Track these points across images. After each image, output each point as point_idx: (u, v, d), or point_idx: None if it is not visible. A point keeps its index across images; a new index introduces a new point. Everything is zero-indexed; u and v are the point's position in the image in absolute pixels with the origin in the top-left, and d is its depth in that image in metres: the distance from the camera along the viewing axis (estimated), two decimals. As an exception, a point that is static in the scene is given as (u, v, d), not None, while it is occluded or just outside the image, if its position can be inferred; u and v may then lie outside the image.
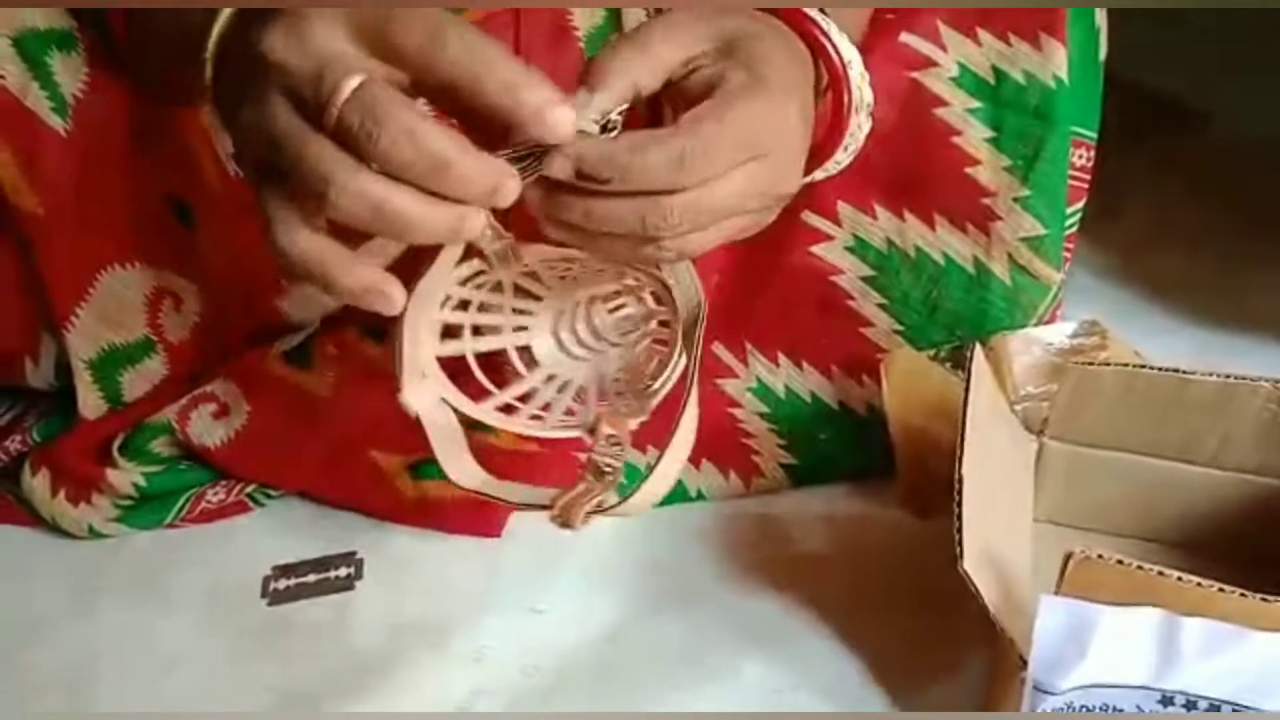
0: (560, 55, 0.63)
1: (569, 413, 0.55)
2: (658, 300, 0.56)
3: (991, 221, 0.65)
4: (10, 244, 0.62)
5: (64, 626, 0.62)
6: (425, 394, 0.52)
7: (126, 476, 0.66)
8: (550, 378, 0.57)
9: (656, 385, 0.52)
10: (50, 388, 0.68)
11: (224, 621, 0.62)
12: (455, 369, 0.54)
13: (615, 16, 0.64)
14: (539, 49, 0.63)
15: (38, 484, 0.66)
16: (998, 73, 0.63)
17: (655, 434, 0.68)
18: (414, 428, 0.65)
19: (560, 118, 0.43)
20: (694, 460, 0.69)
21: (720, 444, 0.69)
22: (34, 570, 0.66)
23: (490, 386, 0.55)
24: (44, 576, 0.65)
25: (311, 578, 0.64)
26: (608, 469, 0.52)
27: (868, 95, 0.54)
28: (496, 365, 0.56)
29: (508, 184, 0.44)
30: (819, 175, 0.57)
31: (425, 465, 0.67)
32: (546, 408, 0.55)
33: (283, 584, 0.64)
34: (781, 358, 0.69)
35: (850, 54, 0.54)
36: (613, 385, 0.57)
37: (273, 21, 0.44)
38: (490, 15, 0.63)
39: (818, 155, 0.55)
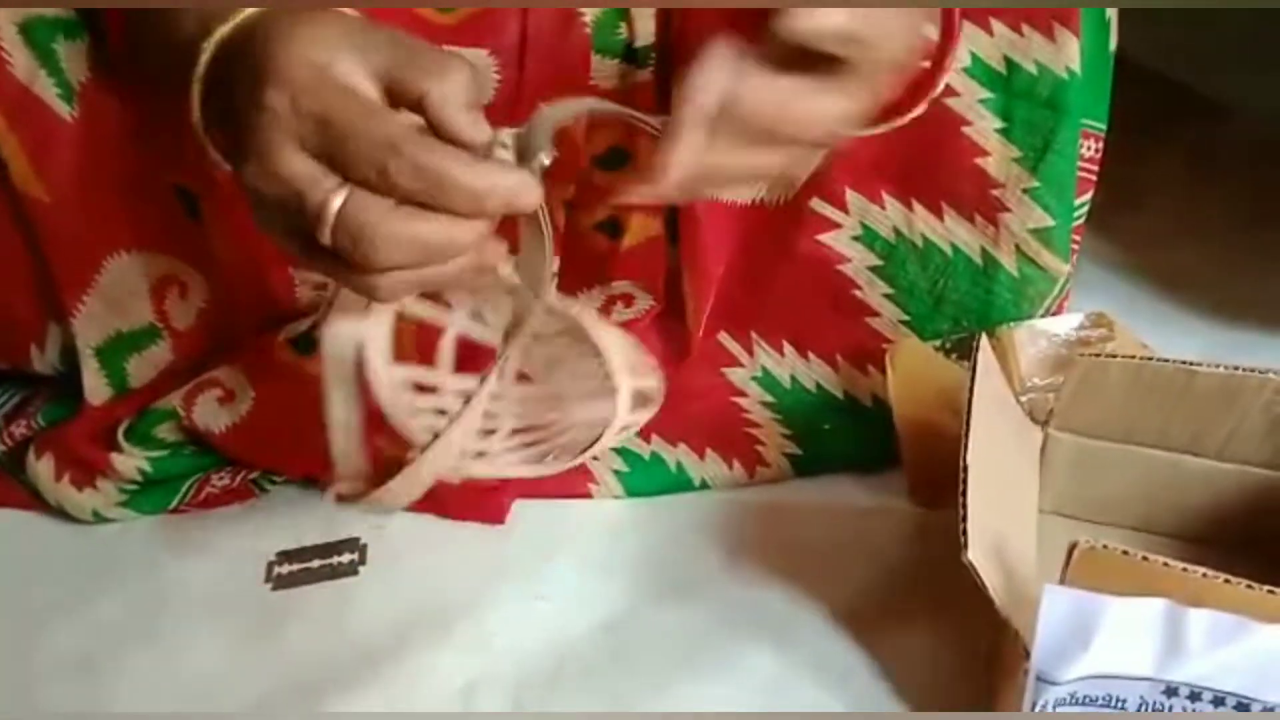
0: (567, 41, 0.63)
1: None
2: None
3: (1000, 212, 0.65)
4: (17, 231, 0.62)
5: (69, 611, 0.63)
6: (347, 329, 0.52)
7: (131, 461, 0.67)
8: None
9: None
10: (56, 373, 0.68)
11: (228, 606, 0.63)
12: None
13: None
14: (546, 35, 0.63)
15: (43, 468, 0.66)
16: (1010, 63, 0.62)
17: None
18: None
19: (527, 201, 0.44)
20: (698, 449, 0.69)
21: (725, 433, 0.69)
22: (39, 555, 0.66)
23: (444, 363, 0.56)
24: (49, 561, 0.66)
25: (315, 563, 0.65)
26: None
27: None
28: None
29: (522, 196, 0.44)
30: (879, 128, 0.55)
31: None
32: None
33: (286, 569, 0.64)
34: (787, 347, 0.69)
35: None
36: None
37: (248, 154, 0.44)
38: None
39: (891, 111, 0.55)
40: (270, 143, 0.43)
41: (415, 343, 0.56)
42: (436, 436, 0.52)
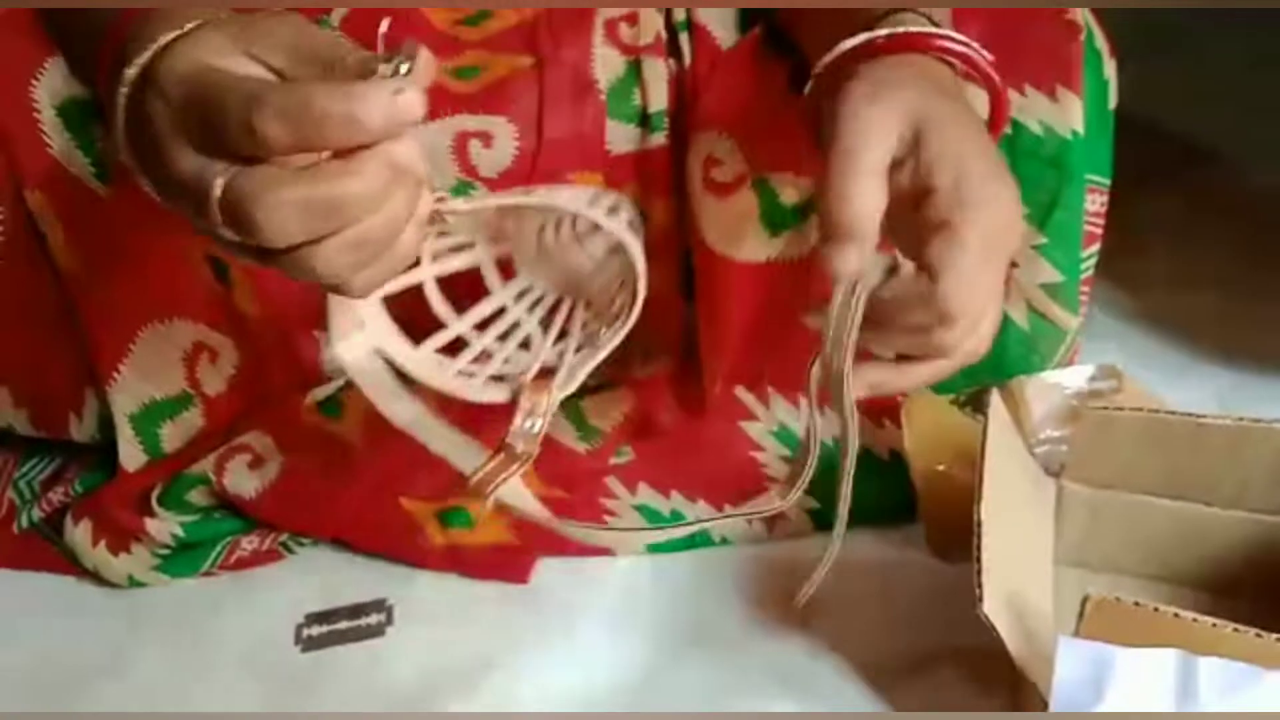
0: (582, 108, 0.65)
1: (498, 378, 0.55)
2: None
3: (1010, 268, 0.66)
4: (55, 302, 0.64)
5: (105, 673, 0.64)
6: (357, 347, 0.52)
7: (165, 526, 0.68)
8: (522, 294, 0.58)
9: (607, 335, 0.52)
10: (93, 441, 0.69)
11: (259, 668, 0.63)
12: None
13: (636, 70, 0.66)
14: (563, 102, 0.65)
15: (80, 534, 0.68)
16: (1015, 123, 0.63)
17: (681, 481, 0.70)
18: (442, 475, 0.67)
19: (408, 111, 0.40)
20: (717, 505, 0.70)
21: (744, 490, 0.69)
22: (76, 618, 0.67)
23: (447, 317, 0.56)
24: (85, 625, 0.67)
25: (344, 625, 0.65)
26: (518, 447, 0.52)
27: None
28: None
29: (400, 105, 0.39)
30: None
31: (454, 513, 0.68)
32: (484, 359, 0.56)
33: (315, 631, 0.65)
34: (803, 401, 0.70)
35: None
36: (580, 315, 0.58)
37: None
38: (514, 73, 0.64)
39: None
40: (161, 150, 0.42)
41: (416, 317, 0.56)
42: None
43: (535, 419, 0.53)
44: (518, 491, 0.54)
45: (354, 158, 0.40)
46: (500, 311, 0.58)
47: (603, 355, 0.54)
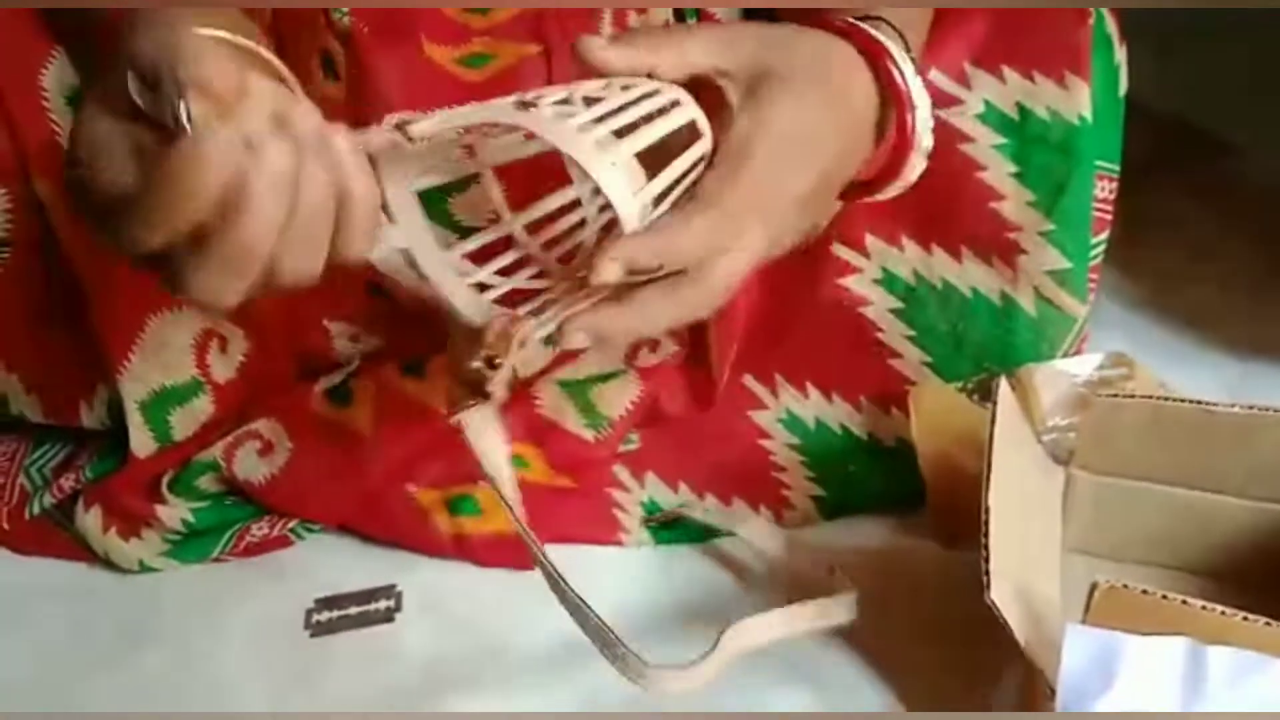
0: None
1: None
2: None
3: (1018, 255, 0.66)
4: (64, 291, 0.64)
5: (115, 658, 0.64)
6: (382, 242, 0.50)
7: (175, 512, 0.68)
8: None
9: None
10: (103, 427, 0.70)
11: (268, 653, 0.64)
12: None
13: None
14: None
15: (90, 520, 0.68)
16: (1023, 109, 0.63)
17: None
18: (450, 462, 0.67)
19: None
20: (725, 498, 0.70)
21: (751, 480, 0.70)
22: (87, 604, 0.68)
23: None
24: (96, 610, 0.67)
25: (353, 610, 0.66)
26: (481, 379, 0.50)
27: (927, 141, 0.54)
28: None
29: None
30: (887, 193, 0.57)
31: (461, 500, 0.68)
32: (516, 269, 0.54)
33: (325, 616, 0.66)
34: (811, 389, 0.70)
35: (921, 99, 0.53)
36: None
37: None
38: (522, 61, 0.64)
39: (869, 188, 0.56)
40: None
41: None
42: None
43: (495, 361, 0.49)
44: (485, 434, 0.52)
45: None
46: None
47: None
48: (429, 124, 0.46)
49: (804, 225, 0.53)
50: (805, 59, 0.51)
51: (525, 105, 0.47)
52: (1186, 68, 1.01)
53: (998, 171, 0.64)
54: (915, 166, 0.54)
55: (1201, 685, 0.44)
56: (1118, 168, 0.67)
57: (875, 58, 0.52)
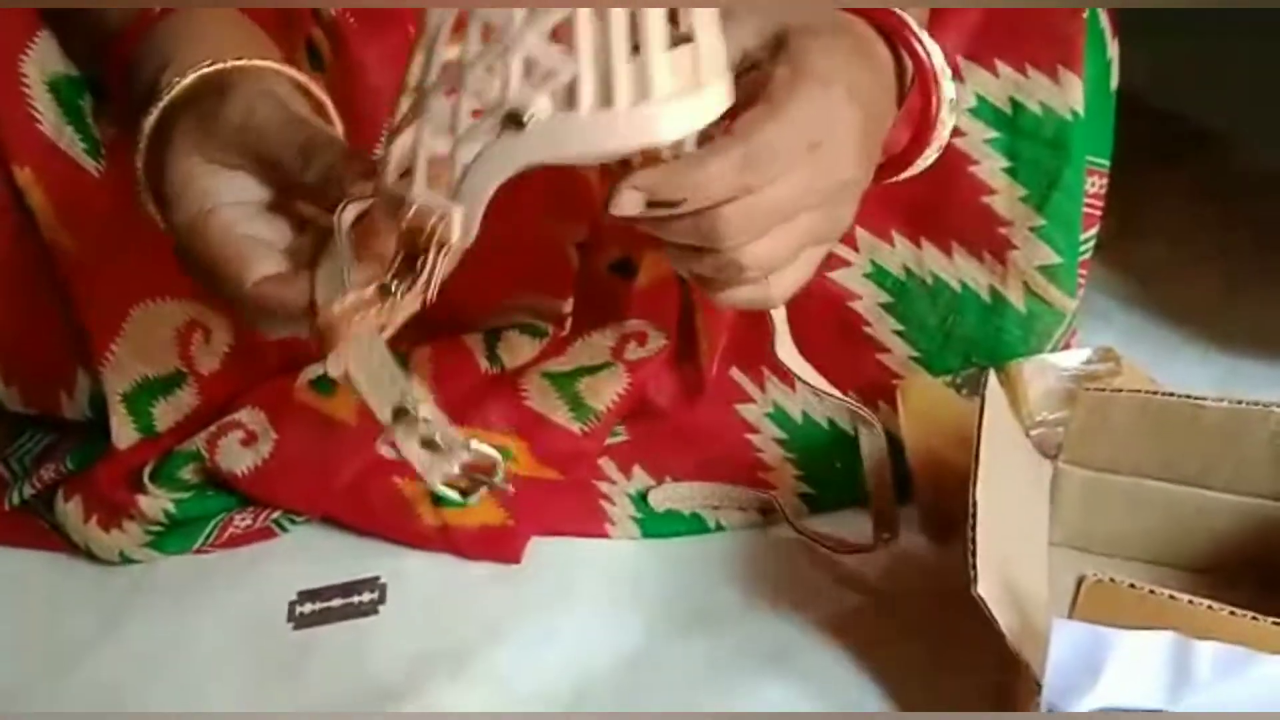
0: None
1: None
2: None
3: (1008, 250, 0.66)
4: (46, 281, 0.63)
5: (95, 650, 0.64)
6: None
7: (157, 503, 0.68)
8: None
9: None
10: (85, 418, 0.69)
11: (251, 645, 0.63)
12: None
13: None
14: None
15: (70, 510, 0.68)
16: (1015, 104, 0.63)
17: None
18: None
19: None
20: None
21: (738, 472, 0.69)
22: (66, 595, 0.67)
23: None
24: (76, 601, 0.67)
25: (336, 603, 0.65)
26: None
27: (951, 91, 0.53)
28: None
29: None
30: (908, 174, 0.56)
31: (446, 492, 0.68)
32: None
33: (308, 608, 0.65)
34: (798, 383, 0.70)
35: (935, 51, 0.52)
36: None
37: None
38: None
39: (907, 155, 0.55)
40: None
41: None
42: None
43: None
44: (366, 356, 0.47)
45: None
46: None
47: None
48: None
49: (875, 156, 0.51)
50: (824, 19, 0.50)
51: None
52: (1180, 62, 1.01)
53: (989, 166, 0.64)
54: (946, 121, 0.54)
55: (1188, 680, 0.44)
56: (1108, 163, 0.67)
57: (894, 31, 0.52)
